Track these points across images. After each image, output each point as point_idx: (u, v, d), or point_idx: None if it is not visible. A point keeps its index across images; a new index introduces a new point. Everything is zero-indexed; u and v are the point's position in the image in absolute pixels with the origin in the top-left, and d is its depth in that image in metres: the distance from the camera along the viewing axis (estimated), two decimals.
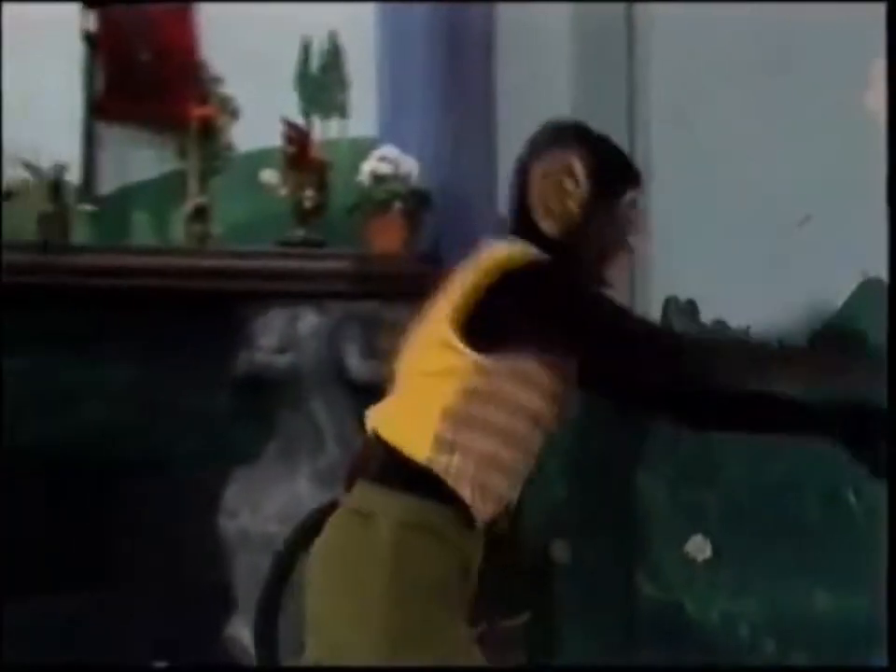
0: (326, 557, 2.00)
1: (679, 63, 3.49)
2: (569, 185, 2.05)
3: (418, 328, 2.08)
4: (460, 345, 1.97)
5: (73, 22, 3.45)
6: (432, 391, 1.99)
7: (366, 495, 1.98)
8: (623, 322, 1.99)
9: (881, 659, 3.24)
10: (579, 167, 2.05)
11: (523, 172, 2.09)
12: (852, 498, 3.44)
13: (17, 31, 3.44)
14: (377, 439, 2.01)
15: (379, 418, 2.06)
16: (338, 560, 1.98)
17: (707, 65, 3.49)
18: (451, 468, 1.93)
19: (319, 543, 2.02)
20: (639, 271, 3.57)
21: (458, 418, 1.96)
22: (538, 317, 1.96)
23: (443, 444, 1.95)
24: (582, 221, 2.06)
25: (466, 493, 1.92)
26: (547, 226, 2.04)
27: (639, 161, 3.47)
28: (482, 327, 1.97)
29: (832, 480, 3.41)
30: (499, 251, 2.02)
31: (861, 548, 3.31)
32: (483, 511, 1.94)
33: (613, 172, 2.09)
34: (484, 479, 1.96)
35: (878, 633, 3.25)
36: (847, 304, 3.28)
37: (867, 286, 3.22)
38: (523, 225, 2.09)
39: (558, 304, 1.97)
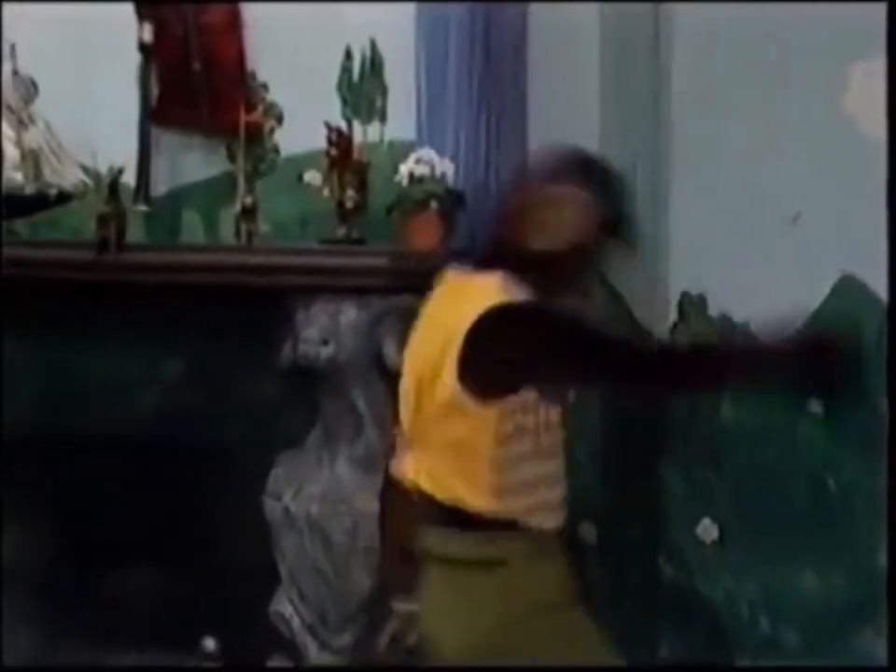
0: (434, 612, 2.15)
1: (702, 62, 3.41)
2: (574, 216, 2.13)
3: (417, 359, 2.17)
4: (477, 405, 2.07)
5: (130, 33, 3.57)
6: (467, 449, 2.09)
7: (441, 540, 2.11)
8: (605, 338, 2.14)
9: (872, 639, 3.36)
10: (586, 202, 2.13)
11: (522, 189, 2.19)
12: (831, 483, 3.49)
13: (76, 41, 3.61)
14: (424, 493, 2.13)
15: (420, 477, 2.16)
16: (445, 610, 2.13)
17: (728, 64, 3.40)
18: (514, 507, 2.07)
19: (424, 601, 2.16)
20: (658, 264, 3.52)
21: (502, 463, 2.07)
22: (542, 357, 2.05)
23: (501, 491, 2.07)
24: (572, 248, 2.14)
25: (533, 522, 2.08)
26: (537, 244, 2.11)
27: (665, 157, 3.49)
28: (494, 379, 2.09)
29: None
30: (486, 294, 2.11)
31: (843, 529, 3.38)
32: (551, 523, 2.10)
33: (614, 213, 2.17)
34: (542, 498, 2.10)
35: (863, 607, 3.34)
36: (825, 302, 3.30)
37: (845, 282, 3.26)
38: (504, 241, 2.18)
39: (558, 342, 2.07)
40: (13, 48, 3.61)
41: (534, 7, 3.60)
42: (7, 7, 3.61)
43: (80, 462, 3.64)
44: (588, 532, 3.59)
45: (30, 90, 3.67)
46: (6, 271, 3.45)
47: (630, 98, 3.49)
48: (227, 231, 3.43)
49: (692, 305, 3.48)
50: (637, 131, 3.53)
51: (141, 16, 3.51)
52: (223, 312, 3.34)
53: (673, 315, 3.50)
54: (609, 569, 3.59)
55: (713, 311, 3.48)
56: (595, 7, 3.52)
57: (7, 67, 3.64)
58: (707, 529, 3.52)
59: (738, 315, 3.40)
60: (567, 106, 3.54)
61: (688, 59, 3.41)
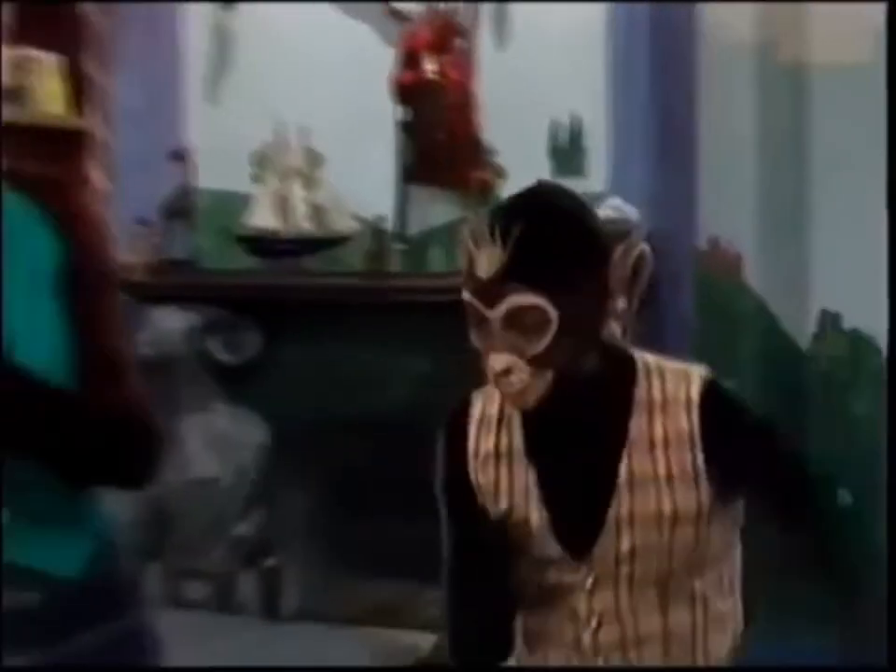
0: None
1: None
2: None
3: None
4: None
5: (388, 114, 4.06)
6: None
7: None
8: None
9: None
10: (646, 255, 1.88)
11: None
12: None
13: (350, 120, 4.06)
14: None
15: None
16: None
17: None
18: None
19: None
20: (802, 281, 3.63)
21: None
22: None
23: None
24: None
25: None
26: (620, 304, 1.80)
27: (810, 187, 3.61)
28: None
29: None
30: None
31: None
32: None
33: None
34: None
35: None
36: None
37: None
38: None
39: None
40: (305, 128, 4.09)
41: (702, 65, 3.78)
42: (294, 98, 4.06)
43: (346, 441, 3.99)
44: None
45: (317, 159, 4.14)
46: (301, 295, 4.02)
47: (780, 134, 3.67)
48: (462, 263, 3.88)
49: (829, 320, 3.65)
50: (783, 166, 3.70)
51: (402, 101, 4.00)
52: (456, 323, 3.71)
53: (813, 328, 3.67)
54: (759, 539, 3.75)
55: (847, 326, 3.63)
56: (751, 71, 3.69)
57: (296, 141, 4.11)
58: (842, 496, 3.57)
59: (870, 331, 3.57)
60: (726, 151, 3.75)
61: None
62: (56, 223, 1.76)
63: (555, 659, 1.83)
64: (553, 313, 1.66)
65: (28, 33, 3.68)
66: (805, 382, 3.74)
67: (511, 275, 1.66)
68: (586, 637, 1.79)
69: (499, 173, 3.89)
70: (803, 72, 3.67)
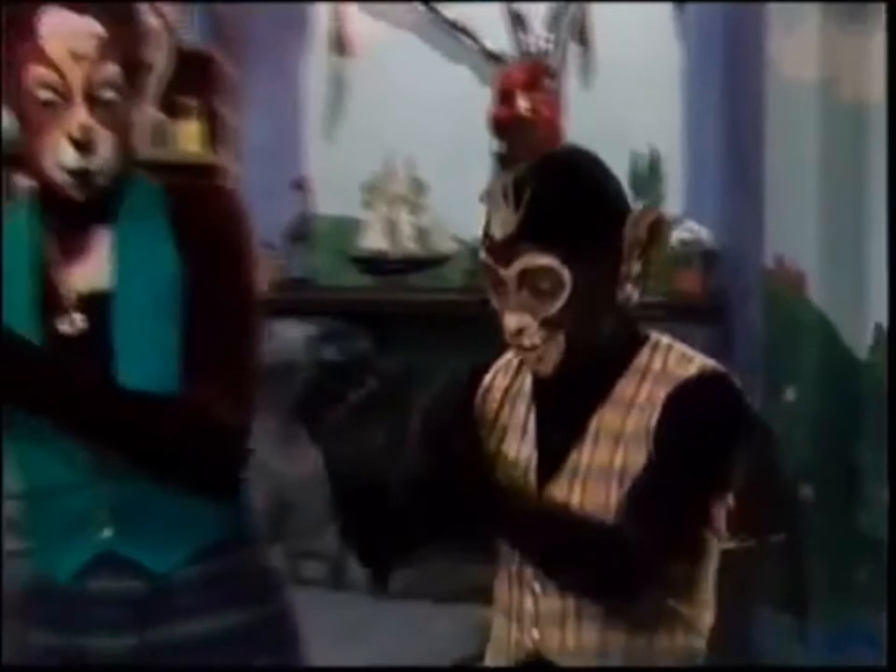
0: None
1: None
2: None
3: None
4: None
5: (485, 147, 4.11)
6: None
7: None
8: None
9: None
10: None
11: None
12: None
13: (453, 151, 4.18)
14: None
15: None
16: None
17: None
18: None
19: None
20: (861, 294, 3.65)
21: None
22: None
23: None
24: None
25: None
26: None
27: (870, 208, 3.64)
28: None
29: None
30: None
31: None
32: None
33: None
34: None
35: None
36: None
37: None
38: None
39: None
40: (410, 160, 4.23)
41: (769, 99, 3.84)
42: (400, 133, 4.19)
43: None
44: (808, 492, 3.74)
45: (422, 187, 4.33)
46: (406, 309, 4.19)
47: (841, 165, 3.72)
48: None
49: (883, 333, 3.67)
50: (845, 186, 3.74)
51: (498, 135, 4.12)
52: None
53: (869, 340, 3.70)
54: (825, 524, 3.70)
55: None
56: (815, 106, 3.73)
57: (403, 171, 4.25)
58: None
59: None
60: (790, 179, 3.81)
61: None
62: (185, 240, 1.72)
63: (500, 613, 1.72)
64: (566, 275, 1.59)
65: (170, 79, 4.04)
66: (861, 390, 3.76)
67: (523, 235, 1.59)
68: (528, 604, 1.67)
69: None
70: (862, 107, 3.73)
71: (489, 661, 1.75)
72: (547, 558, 1.63)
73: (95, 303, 1.72)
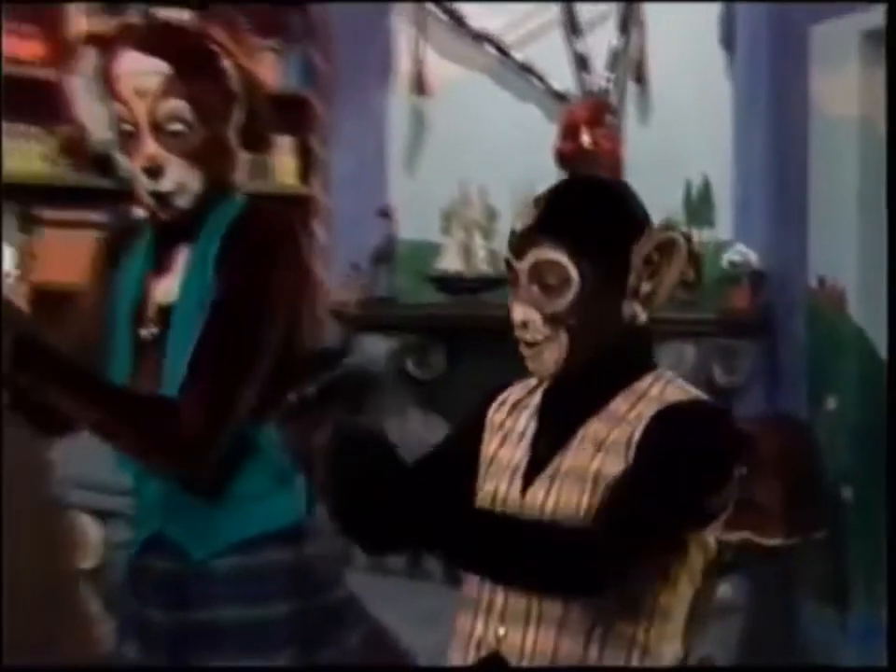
0: None
1: None
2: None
3: None
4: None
5: (551, 178, 4.08)
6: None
7: None
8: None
9: None
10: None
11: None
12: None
13: (516, 183, 3.75)
14: None
15: None
16: None
17: None
18: None
19: None
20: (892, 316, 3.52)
21: None
22: None
23: None
24: None
25: None
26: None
27: None
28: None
29: None
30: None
31: None
32: None
33: None
34: None
35: None
36: None
37: None
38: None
39: None
40: (484, 189, 4.21)
41: (812, 134, 3.85)
42: (475, 165, 4.20)
43: None
44: (848, 493, 3.74)
45: (494, 213, 4.30)
46: (479, 324, 4.15)
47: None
48: None
49: None
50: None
51: (563, 167, 4.03)
52: None
53: None
54: (864, 523, 3.69)
55: None
56: (855, 139, 3.72)
57: (477, 199, 4.27)
58: None
59: None
60: (832, 205, 3.83)
61: None
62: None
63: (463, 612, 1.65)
64: (574, 273, 1.56)
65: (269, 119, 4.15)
66: None
67: (539, 228, 1.57)
68: (497, 600, 1.60)
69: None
70: None
71: (452, 655, 1.67)
72: (485, 564, 1.53)
73: (165, 314, 1.80)
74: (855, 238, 3.79)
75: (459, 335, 4.38)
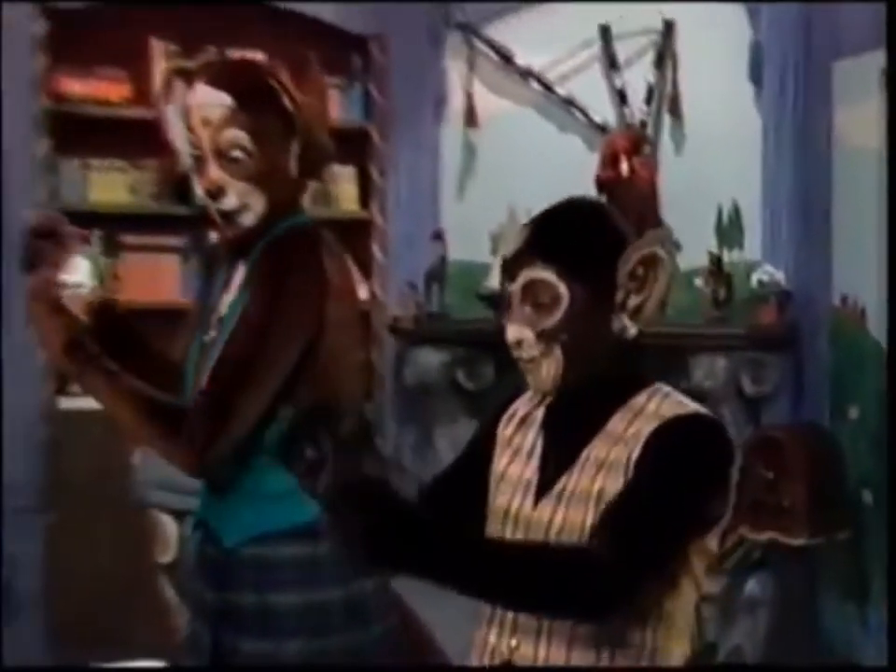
0: None
1: None
2: None
3: None
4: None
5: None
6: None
7: None
8: None
9: None
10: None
11: None
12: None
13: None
14: None
15: None
16: None
17: None
18: None
19: None
20: None
21: None
22: None
23: None
24: None
25: None
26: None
27: None
28: None
29: None
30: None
31: None
32: None
33: None
34: None
35: None
36: None
37: None
38: None
39: None
40: (530, 213, 4.34)
41: (836, 163, 3.88)
42: (521, 191, 4.06)
43: None
44: (868, 496, 3.75)
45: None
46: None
47: None
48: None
49: None
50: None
51: (602, 193, 4.02)
52: (651, 363, 3.46)
53: None
54: (884, 525, 3.62)
55: None
56: (875, 167, 3.65)
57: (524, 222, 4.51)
58: None
59: None
60: (854, 230, 3.85)
61: None
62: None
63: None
64: (563, 290, 1.54)
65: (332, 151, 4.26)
66: None
67: (528, 250, 1.57)
68: (509, 612, 1.56)
69: (676, 246, 3.80)
70: None
71: (470, 664, 1.64)
72: (494, 592, 1.47)
73: (220, 324, 1.87)
74: (875, 259, 3.79)
75: (507, 348, 4.33)
